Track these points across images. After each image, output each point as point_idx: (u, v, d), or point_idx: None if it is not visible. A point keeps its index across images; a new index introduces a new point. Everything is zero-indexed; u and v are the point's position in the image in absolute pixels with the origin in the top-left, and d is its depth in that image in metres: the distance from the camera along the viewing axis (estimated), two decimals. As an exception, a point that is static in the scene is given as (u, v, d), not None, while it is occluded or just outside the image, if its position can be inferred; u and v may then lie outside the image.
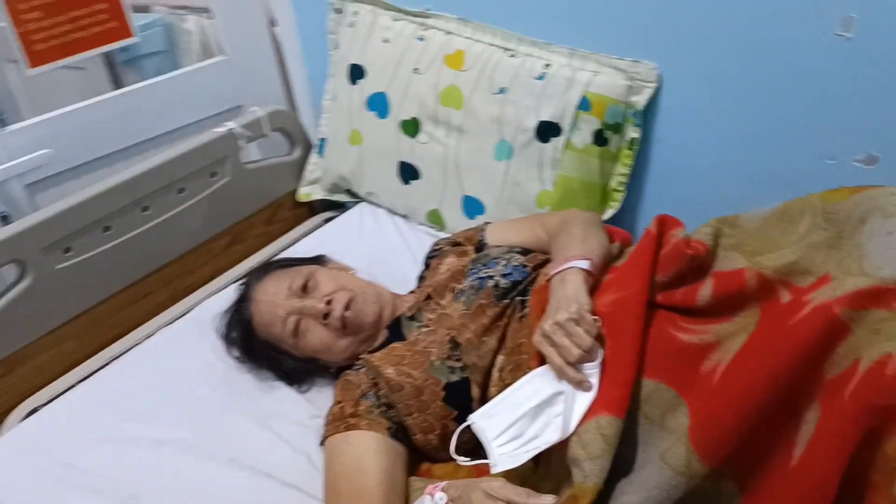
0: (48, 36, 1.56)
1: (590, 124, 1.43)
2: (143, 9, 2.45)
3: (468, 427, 0.99)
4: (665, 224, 1.11)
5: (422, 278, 1.41)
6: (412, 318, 1.26)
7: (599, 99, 1.42)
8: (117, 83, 2.32)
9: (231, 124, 1.71)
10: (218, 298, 1.53)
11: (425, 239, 1.66)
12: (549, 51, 1.47)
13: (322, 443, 1.17)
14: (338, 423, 1.15)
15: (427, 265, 1.42)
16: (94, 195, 1.45)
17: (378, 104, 1.66)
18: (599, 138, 1.44)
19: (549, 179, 1.48)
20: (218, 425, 1.27)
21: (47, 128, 1.65)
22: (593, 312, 1.02)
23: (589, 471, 0.91)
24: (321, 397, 1.31)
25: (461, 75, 1.53)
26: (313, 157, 1.89)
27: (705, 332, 0.99)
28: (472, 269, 1.26)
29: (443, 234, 1.65)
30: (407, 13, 1.64)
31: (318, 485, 1.13)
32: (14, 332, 1.39)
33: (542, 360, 1.00)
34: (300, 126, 1.91)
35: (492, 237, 1.37)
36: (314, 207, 1.95)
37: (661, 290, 1.05)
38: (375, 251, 1.66)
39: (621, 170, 1.49)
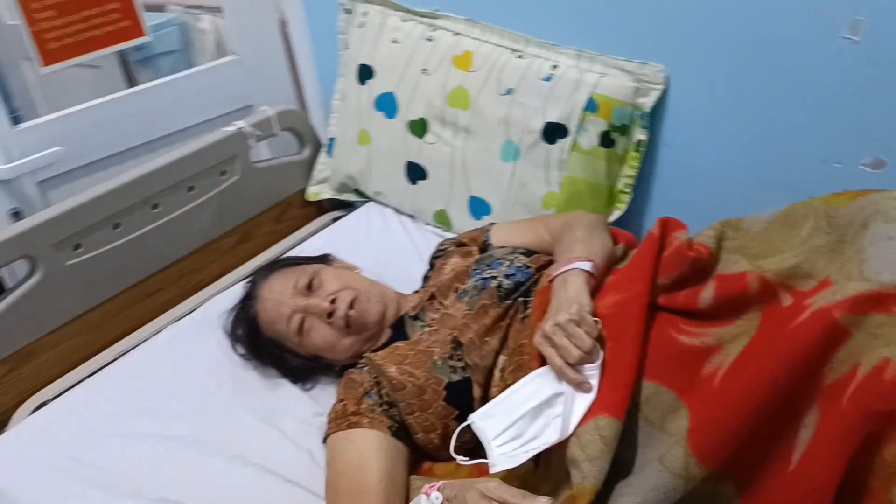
0: (61, 35, 1.57)
1: (596, 126, 1.43)
2: (157, 8, 2.46)
3: (469, 427, 1.00)
4: (668, 226, 1.11)
5: (426, 278, 1.41)
6: (415, 317, 1.26)
7: (606, 101, 1.41)
8: (131, 82, 2.33)
9: (241, 123, 1.72)
10: (226, 296, 1.55)
11: (432, 239, 1.67)
12: (557, 52, 1.47)
13: (325, 440, 1.18)
14: (340, 420, 1.16)
15: (432, 265, 1.42)
16: (104, 193, 1.47)
17: (386, 104, 1.67)
18: (606, 140, 1.44)
19: (555, 181, 1.48)
20: (223, 421, 1.28)
21: (59, 125, 1.66)
22: (594, 314, 1.02)
23: (587, 472, 0.91)
24: (325, 395, 1.32)
25: (469, 76, 1.54)
26: (322, 157, 1.90)
27: (706, 334, 0.99)
28: (475, 269, 1.26)
29: (449, 235, 1.66)
30: (416, 14, 1.65)
31: (320, 482, 1.14)
32: (24, 328, 1.40)
33: (542, 361, 1.00)
34: (309, 126, 1.92)
35: (496, 238, 1.37)
36: (323, 206, 1.96)
37: (662, 292, 1.05)
38: (382, 251, 1.67)
39: (628, 171, 1.49)
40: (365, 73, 1.70)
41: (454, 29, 1.59)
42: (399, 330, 1.27)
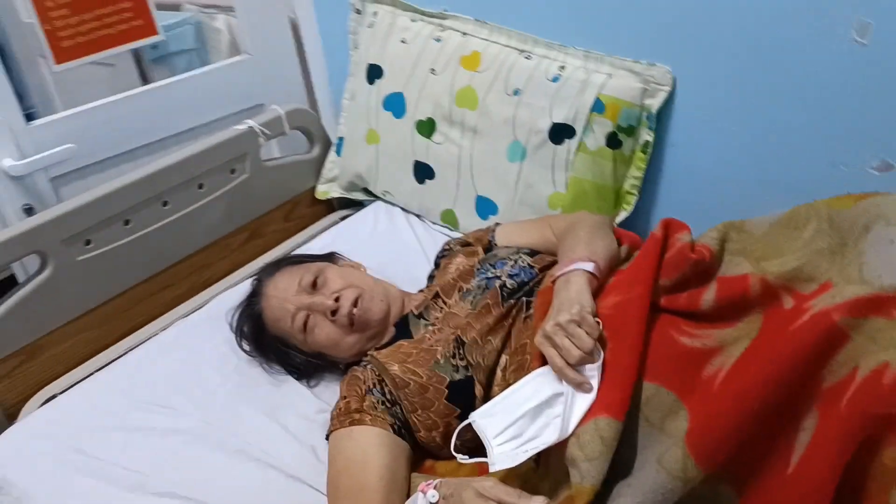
0: (74, 33, 1.60)
1: (603, 127, 1.43)
2: (173, 7, 2.49)
3: (470, 425, 1.00)
4: (670, 227, 1.11)
5: (432, 277, 1.42)
6: (419, 316, 1.27)
7: (613, 101, 1.41)
8: (146, 80, 2.36)
9: (251, 122, 1.74)
10: (233, 292, 1.56)
11: (439, 238, 1.67)
12: (565, 53, 1.48)
13: (327, 437, 1.19)
14: (343, 418, 1.17)
15: (437, 264, 1.43)
16: (114, 189, 1.48)
17: (394, 104, 1.68)
18: (613, 141, 1.44)
19: (561, 181, 1.48)
20: (227, 417, 1.30)
21: (72, 123, 1.69)
22: (596, 314, 1.02)
23: (586, 472, 0.91)
24: (328, 392, 1.33)
25: (476, 76, 1.54)
26: (331, 156, 1.91)
27: (708, 336, 0.99)
28: (479, 269, 1.26)
29: (456, 234, 1.67)
30: (425, 14, 1.66)
31: (322, 478, 1.15)
32: (35, 322, 1.42)
33: (543, 361, 1.00)
34: (319, 124, 1.93)
35: (501, 238, 1.37)
36: (332, 205, 1.97)
37: (664, 293, 1.05)
38: (389, 249, 1.68)
39: (634, 173, 1.49)
40: (374, 73, 1.71)
41: (462, 29, 1.59)
42: (403, 328, 1.27)
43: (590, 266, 1.09)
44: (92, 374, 1.44)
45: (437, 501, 0.91)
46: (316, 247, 1.68)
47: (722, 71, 1.33)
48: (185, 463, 1.21)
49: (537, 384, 1.00)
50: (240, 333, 1.39)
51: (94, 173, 1.76)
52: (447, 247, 1.44)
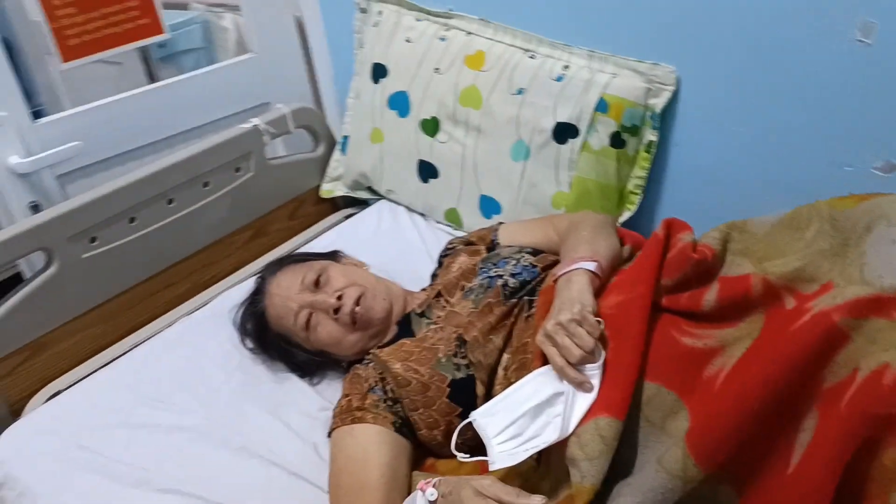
0: (81, 31, 1.60)
1: (607, 126, 1.43)
2: (181, 6, 2.50)
3: (471, 424, 1.00)
4: (673, 227, 1.11)
5: (435, 276, 1.42)
6: (422, 314, 1.27)
7: (617, 101, 1.41)
8: (153, 79, 2.37)
9: (256, 120, 1.74)
10: (237, 290, 1.56)
11: (442, 237, 1.67)
12: (569, 52, 1.47)
13: (329, 434, 1.19)
14: (344, 415, 1.17)
15: (440, 263, 1.43)
16: (119, 187, 1.49)
17: (399, 103, 1.68)
18: (616, 140, 1.44)
19: (565, 181, 1.48)
20: (230, 414, 1.30)
21: (79, 120, 1.69)
22: (597, 314, 1.02)
23: (586, 471, 0.91)
24: (331, 390, 1.33)
25: (481, 75, 1.54)
26: (336, 155, 1.92)
27: (709, 336, 0.99)
28: (482, 267, 1.27)
29: (460, 233, 1.67)
30: (430, 13, 1.66)
31: (324, 475, 1.15)
32: (40, 318, 1.43)
33: (545, 360, 1.01)
34: (324, 123, 1.94)
35: (504, 237, 1.38)
36: (336, 204, 1.97)
37: (666, 293, 1.05)
38: (393, 248, 1.68)
39: (638, 172, 1.49)
40: (379, 72, 1.71)
41: (467, 28, 1.60)
42: (405, 327, 1.28)
43: (592, 265, 1.09)
44: (96, 370, 1.44)
45: (436, 500, 0.91)
46: (320, 245, 1.68)
47: (726, 71, 1.33)
48: (188, 460, 1.22)
49: (538, 383, 1.00)
50: (243, 331, 1.40)
51: (101, 171, 1.77)
52: (450, 245, 1.44)
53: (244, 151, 1.73)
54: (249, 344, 1.40)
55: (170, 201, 1.60)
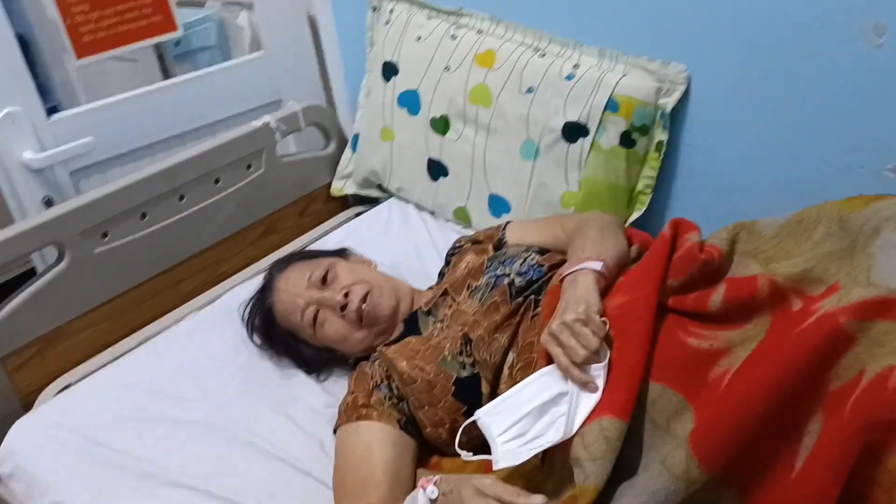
0: (95, 28, 1.62)
1: (617, 126, 1.42)
2: (197, 4, 2.51)
3: (475, 422, 1.00)
4: (680, 228, 1.10)
5: (442, 274, 1.42)
6: (428, 313, 1.27)
7: (627, 100, 1.41)
8: (168, 77, 2.38)
9: (267, 118, 1.75)
10: (246, 287, 1.57)
11: (451, 236, 1.67)
12: (579, 51, 1.47)
13: (335, 431, 1.20)
14: (350, 412, 1.18)
15: (448, 262, 1.43)
16: (131, 183, 1.50)
17: (409, 101, 1.68)
18: (626, 140, 1.43)
19: (574, 180, 1.48)
20: (237, 409, 1.31)
21: (92, 117, 1.71)
22: (602, 314, 1.02)
23: (590, 471, 0.91)
24: (337, 387, 1.33)
25: (491, 74, 1.54)
26: (347, 153, 1.92)
27: (715, 338, 0.98)
28: (489, 266, 1.26)
29: (468, 232, 1.66)
30: (441, 11, 1.66)
31: (328, 471, 1.15)
32: (51, 312, 1.44)
33: (550, 360, 1.00)
34: (335, 121, 1.94)
35: (512, 236, 1.37)
36: (347, 202, 1.98)
37: (672, 294, 1.04)
38: (402, 246, 1.69)
39: (648, 172, 1.48)
40: (389, 71, 1.71)
41: (478, 27, 1.60)
42: (412, 325, 1.28)
43: (598, 265, 1.08)
44: (106, 364, 1.46)
45: (437, 498, 0.91)
46: (330, 243, 1.69)
47: (737, 70, 1.32)
48: (195, 454, 1.23)
49: (542, 383, 1.00)
50: (251, 327, 1.40)
51: (113, 167, 1.78)
52: (458, 244, 1.44)
53: (255, 149, 1.74)
54: (257, 340, 1.40)
55: (181, 198, 1.61)
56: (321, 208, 1.94)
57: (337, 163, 1.94)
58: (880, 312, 0.81)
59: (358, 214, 1.89)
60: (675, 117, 1.43)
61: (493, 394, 1.14)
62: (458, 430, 1.04)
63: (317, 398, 1.32)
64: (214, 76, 1.93)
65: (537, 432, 0.97)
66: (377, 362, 1.24)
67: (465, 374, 1.15)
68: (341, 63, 1.97)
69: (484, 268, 1.27)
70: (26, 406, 1.40)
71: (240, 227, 1.76)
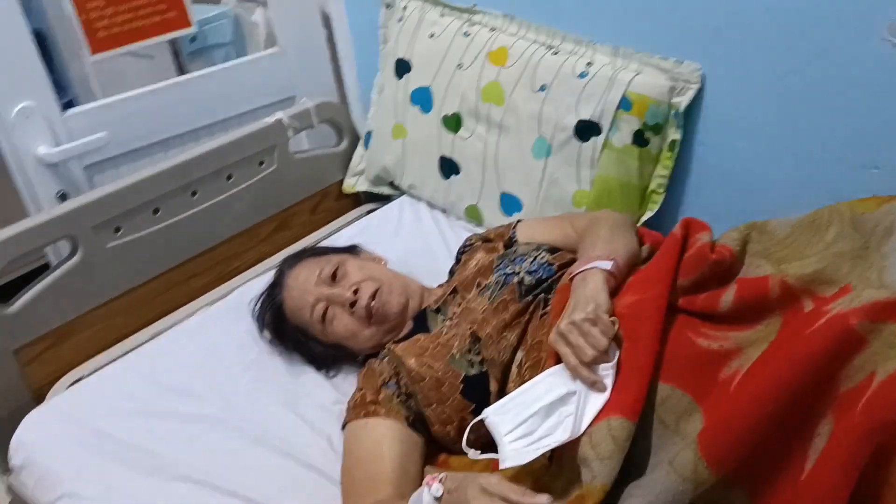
0: (109, 24, 1.63)
1: (630, 124, 1.41)
2: (212, 0, 2.51)
3: (483, 421, 1.00)
4: (691, 227, 1.09)
5: (452, 272, 1.42)
6: (438, 310, 1.27)
7: (641, 99, 1.40)
8: (183, 73, 2.39)
9: (280, 114, 1.75)
10: (257, 283, 1.57)
11: (462, 234, 1.66)
12: (593, 49, 1.46)
13: (343, 427, 1.20)
14: (358, 409, 1.18)
15: (458, 259, 1.43)
16: (144, 178, 1.51)
17: (422, 98, 1.68)
18: (639, 139, 1.42)
19: (586, 179, 1.47)
20: (246, 404, 1.31)
21: (107, 112, 1.72)
22: (612, 313, 1.01)
23: (598, 471, 0.90)
24: (346, 383, 1.33)
25: (503, 72, 1.54)
26: (359, 150, 1.92)
27: (726, 338, 0.98)
28: (498, 264, 1.26)
29: (480, 230, 1.65)
30: (454, 9, 1.66)
31: (336, 467, 1.16)
32: (64, 306, 1.45)
33: (558, 359, 1.00)
34: (348, 118, 1.95)
35: (523, 234, 1.37)
36: (359, 199, 1.98)
37: (682, 294, 1.04)
38: (413, 244, 1.68)
39: (661, 171, 1.47)
40: (402, 68, 1.71)
41: (491, 24, 1.59)
42: (421, 322, 1.28)
43: (608, 265, 1.08)
44: (117, 358, 1.46)
45: (442, 495, 0.91)
46: (341, 240, 1.69)
47: (751, 69, 1.31)
48: (204, 449, 1.23)
49: (551, 382, 0.99)
50: (261, 322, 1.41)
51: (127, 162, 1.79)
52: (469, 242, 1.44)
53: (268, 145, 1.74)
54: (267, 336, 1.41)
55: (193, 193, 1.62)
56: (333, 205, 1.94)
57: (349, 160, 1.94)
58: (892, 314, 0.80)
59: (370, 212, 1.89)
60: (689, 116, 1.42)
61: (502, 392, 1.13)
62: (465, 429, 1.04)
63: (326, 394, 1.32)
64: (228, 72, 1.94)
65: (545, 432, 0.97)
66: (386, 359, 1.24)
67: (473, 372, 1.15)
68: (354, 60, 1.97)
69: (494, 266, 1.27)
70: (38, 399, 1.42)
71: (252, 223, 1.77)
